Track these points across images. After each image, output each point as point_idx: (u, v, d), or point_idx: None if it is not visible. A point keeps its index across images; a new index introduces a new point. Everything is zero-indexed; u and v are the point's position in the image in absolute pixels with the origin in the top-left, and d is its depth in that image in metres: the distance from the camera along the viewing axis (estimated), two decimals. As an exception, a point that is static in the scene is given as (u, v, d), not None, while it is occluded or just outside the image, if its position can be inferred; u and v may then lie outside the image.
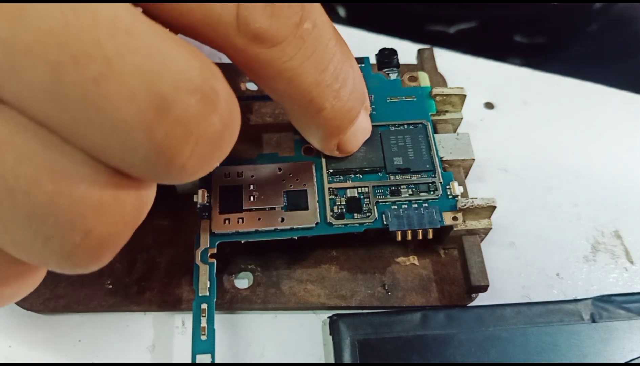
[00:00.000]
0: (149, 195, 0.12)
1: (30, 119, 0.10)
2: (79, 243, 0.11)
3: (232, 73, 0.20)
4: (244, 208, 0.20)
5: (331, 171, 0.21)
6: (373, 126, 0.21)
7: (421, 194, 0.20)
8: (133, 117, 0.10)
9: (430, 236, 0.20)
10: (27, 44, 0.09)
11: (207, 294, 0.19)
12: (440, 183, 0.20)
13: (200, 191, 0.20)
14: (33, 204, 0.10)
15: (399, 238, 0.20)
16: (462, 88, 0.22)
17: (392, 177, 0.21)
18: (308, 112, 0.16)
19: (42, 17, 0.09)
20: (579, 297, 0.20)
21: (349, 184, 0.20)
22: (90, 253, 0.11)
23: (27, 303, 0.20)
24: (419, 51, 0.26)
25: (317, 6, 0.15)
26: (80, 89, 0.10)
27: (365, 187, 0.20)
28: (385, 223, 0.20)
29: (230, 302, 0.20)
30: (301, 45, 0.14)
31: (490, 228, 0.20)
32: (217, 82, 0.11)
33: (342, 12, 0.37)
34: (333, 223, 0.20)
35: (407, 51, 0.26)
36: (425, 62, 0.25)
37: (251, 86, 0.25)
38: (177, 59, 0.10)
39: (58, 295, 0.20)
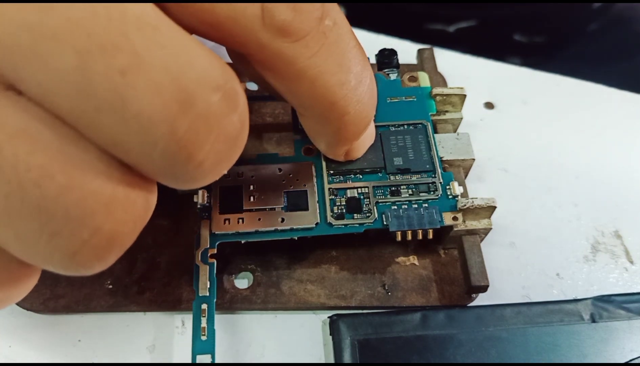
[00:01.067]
0: (154, 198, 0.12)
1: (47, 110, 0.10)
2: (87, 240, 0.11)
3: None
4: (244, 208, 0.20)
5: (331, 171, 0.21)
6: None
7: (421, 194, 0.20)
8: (157, 110, 0.10)
9: (430, 236, 0.20)
10: (54, 29, 0.09)
11: (207, 294, 0.19)
12: (440, 183, 0.20)
13: (200, 191, 0.20)
14: (43, 197, 0.10)
15: (399, 238, 0.20)
16: (462, 88, 0.22)
17: (392, 177, 0.21)
18: (330, 117, 0.16)
19: (71, 5, 0.09)
20: (579, 297, 0.20)
21: (349, 184, 0.20)
22: (97, 251, 0.11)
23: (27, 303, 0.20)
24: (419, 51, 0.26)
25: (335, 6, 0.15)
26: (106, 79, 0.10)
27: (365, 187, 0.20)
28: (385, 223, 0.20)
29: (230, 302, 0.20)
30: (324, 41, 0.14)
31: (490, 228, 0.20)
32: (236, 84, 0.11)
33: (342, 11, 0.37)
34: (333, 223, 0.20)
35: (407, 51, 0.26)
36: (425, 62, 0.25)
37: (251, 86, 0.25)
38: (202, 58, 0.11)
39: (58, 295, 0.20)
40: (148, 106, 0.10)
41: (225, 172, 0.12)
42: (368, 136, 0.19)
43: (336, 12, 0.14)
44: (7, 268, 0.12)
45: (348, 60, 0.15)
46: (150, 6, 0.10)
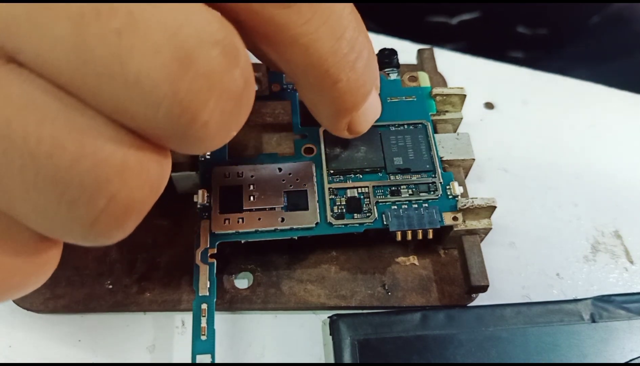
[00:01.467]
0: (168, 165, 0.12)
1: (50, 81, 0.10)
2: (104, 208, 0.11)
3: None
4: (244, 208, 0.20)
5: (331, 171, 0.21)
6: (373, 126, 0.21)
7: (421, 194, 0.20)
8: (157, 70, 0.10)
9: (430, 236, 0.20)
10: None
11: (207, 294, 0.19)
12: (440, 183, 0.20)
13: (200, 191, 0.20)
14: (56, 167, 0.10)
15: (399, 238, 0.20)
16: (462, 88, 0.22)
17: (392, 177, 0.21)
18: (323, 85, 0.16)
19: None
20: (579, 297, 0.20)
21: (349, 184, 0.20)
22: (115, 218, 0.11)
23: (27, 303, 0.20)
24: (419, 51, 0.26)
25: None
26: (103, 42, 0.09)
27: (365, 187, 0.20)
28: (385, 223, 0.20)
29: (230, 302, 0.20)
30: (316, 8, 0.14)
31: (490, 228, 0.20)
32: (236, 38, 0.11)
33: None
34: (333, 223, 0.20)
35: (407, 51, 0.26)
36: (425, 62, 0.25)
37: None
38: (198, 13, 0.10)
39: (58, 295, 0.20)
40: (147, 66, 0.10)
41: (234, 133, 0.12)
42: (371, 109, 0.18)
43: None
44: (27, 248, 0.12)
45: (342, 27, 0.15)
46: None
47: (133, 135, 0.11)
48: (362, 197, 0.20)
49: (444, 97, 0.22)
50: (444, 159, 0.21)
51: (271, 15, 0.13)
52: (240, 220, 0.19)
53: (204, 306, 0.18)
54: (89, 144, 0.10)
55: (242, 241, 0.19)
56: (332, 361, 0.19)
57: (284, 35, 0.14)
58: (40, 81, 0.10)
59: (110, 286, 0.20)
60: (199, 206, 0.19)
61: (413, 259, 0.21)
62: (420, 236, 0.20)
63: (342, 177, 0.21)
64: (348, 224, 0.20)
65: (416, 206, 0.20)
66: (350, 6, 0.15)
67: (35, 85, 0.10)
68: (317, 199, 0.20)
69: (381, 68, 0.24)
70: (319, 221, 0.20)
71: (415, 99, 0.23)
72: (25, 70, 0.10)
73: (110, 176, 0.11)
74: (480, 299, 0.21)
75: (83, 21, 0.09)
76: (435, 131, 0.22)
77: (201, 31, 0.10)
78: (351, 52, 0.15)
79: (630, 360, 0.19)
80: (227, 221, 0.19)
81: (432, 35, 0.26)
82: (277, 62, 0.15)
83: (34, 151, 0.10)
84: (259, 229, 0.19)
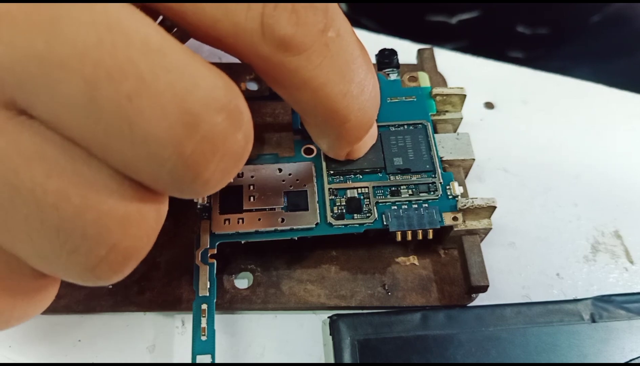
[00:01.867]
0: (165, 209, 0.13)
1: (59, 133, 0.10)
2: (104, 257, 0.11)
3: (232, 73, 0.20)
4: (244, 208, 0.20)
5: (331, 171, 0.21)
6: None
7: (421, 194, 0.20)
8: (164, 133, 0.10)
9: (430, 236, 0.20)
10: (62, 58, 0.09)
11: (207, 294, 0.19)
12: (440, 183, 0.20)
13: (200, 191, 0.20)
14: (60, 218, 0.11)
15: (399, 238, 0.20)
16: (462, 88, 0.22)
17: (392, 177, 0.21)
18: (331, 124, 0.16)
19: (77, 33, 0.09)
20: (579, 297, 0.20)
21: (349, 184, 0.20)
22: (114, 266, 0.12)
23: (27, 303, 0.20)
24: (419, 51, 0.26)
25: (340, 14, 0.15)
26: (114, 105, 0.10)
27: (365, 187, 0.20)
28: (385, 223, 0.20)
29: (230, 302, 0.20)
30: (326, 53, 0.14)
31: (490, 228, 0.20)
32: (240, 101, 0.12)
33: (343, 7, 0.37)
34: (333, 224, 0.20)
35: (407, 51, 0.26)
36: (425, 62, 0.25)
37: (251, 86, 0.25)
38: (206, 78, 0.11)
39: (58, 295, 0.20)
40: (155, 129, 0.10)
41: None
42: (370, 137, 0.20)
43: (340, 22, 0.14)
44: (24, 283, 0.12)
45: (351, 70, 0.15)
46: (154, 28, 0.10)
47: (135, 185, 0.11)
48: (362, 197, 0.20)
49: (444, 97, 0.22)
50: (444, 159, 0.21)
51: (281, 61, 0.13)
52: (240, 220, 0.19)
53: (204, 306, 0.18)
54: (92, 196, 0.11)
55: (242, 242, 0.19)
56: (332, 361, 0.19)
57: (294, 80, 0.14)
58: (49, 133, 0.10)
59: (110, 286, 0.20)
60: (199, 206, 0.19)
61: (413, 259, 0.21)
62: (420, 236, 0.20)
63: (342, 178, 0.21)
64: (348, 224, 0.20)
65: (416, 206, 0.20)
66: (358, 47, 0.15)
67: (44, 136, 0.10)
68: (317, 199, 0.20)
69: (381, 68, 0.24)
70: (319, 221, 0.20)
71: (415, 99, 0.23)
72: (35, 122, 0.10)
73: (112, 227, 0.11)
74: (480, 300, 0.21)
75: (96, 84, 0.10)
76: (435, 131, 0.22)
77: (208, 96, 0.11)
78: (361, 94, 0.15)
79: (630, 360, 0.19)
80: (227, 222, 0.19)
81: (432, 35, 0.26)
82: (287, 100, 0.16)
83: (40, 202, 0.10)
84: (259, 229, 0.19)
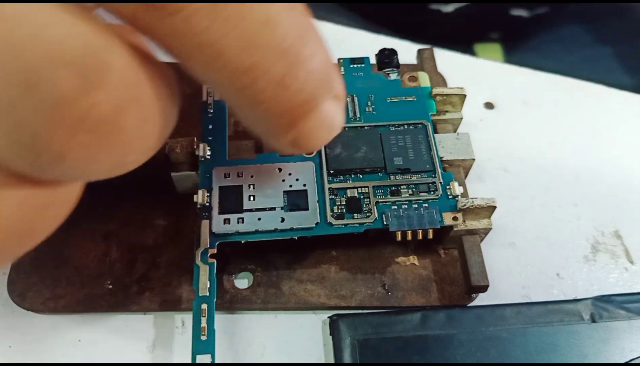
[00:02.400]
0: (51, 194, 0.11)
1: None
2: None
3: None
4: (244, 208, 0.20)
5: (331, 171, 0.21)
6: (373, 126, 0.21)
7: (421, 194, 0.20)
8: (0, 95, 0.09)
9: (430, 236, 0.20)
10: None
11: (207, 294, 0.19)
12: (440, 183, 0.20)
13: (200, 191, 0.20)
14: None
15: (399, 238, 0.20)
16: (462, 88, 0.22)
17: (392, 177, 0.21)
18: (243, 105, 0.12)
19: None
20: (579, 297, 0.20)
21: (349, 184, 0.20)
22: None
23: (27, 303, 0.20)
24: (419, 51, 0.26)
25: None
26: None
27: (365, 187, 0.20)
28: (385, 223, 0.20)
29: (230, 302, 0.20)
30: (215, 14, 0.10)
31: (490, 228, 0.20)
32: (113, 55, 0.09)
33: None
34: (333, 223, 0.20)
35: (407, 51, 0.26)
36: (425, 62, 0.25)
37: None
38: (55, 27, 0.09)
39: (58, 295, 0.20)
40: None
41: (132, 167, 0.11)
42: (323, 126, 0.13)
43: None
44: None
45: (262, 36, 0.11)
46: None
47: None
48: (362, 197, 0.20)
49: (444, 97, 0.22)
50: (444, 159, 0.21)
51: (152, 24, 0.10)
52: (240, 220, 0.19)
53: (204, 306, 0.18)
54: None
55: (242, 241, 0.19)
56: (332, 361, 0.19)
57: (182, 46, 0.11)
58: None
59: (110, 286, 0.20)
60: (199, 206, 0.19)
61: (413, 259, 0.21)
62: (420, 236, 0.20)
63: (342, 178, 0.21)
64: (348, 224, 0.20)
65: (416, 206, 0.20)
66: (274, 6, 0.11)
67: None
68: (317, 199, 0.20)
69: (381, 68, 0.24)
70: (319, 221, 0.20)
71: (415, 99, 0.23)
72: None
73: None
74: (480, 300, 0.21)
75: None
76: (435, 131, 0.22)
77: (52, 48, 0.09)
78: (276, 65, 0.11)
79: (630, 360, 0.19)
80: (227, 221, 0.19)
81: (428, 25, 0.25)
82: (201, 80, 0.12)
83: None
84: (259, 229, 0.19)
